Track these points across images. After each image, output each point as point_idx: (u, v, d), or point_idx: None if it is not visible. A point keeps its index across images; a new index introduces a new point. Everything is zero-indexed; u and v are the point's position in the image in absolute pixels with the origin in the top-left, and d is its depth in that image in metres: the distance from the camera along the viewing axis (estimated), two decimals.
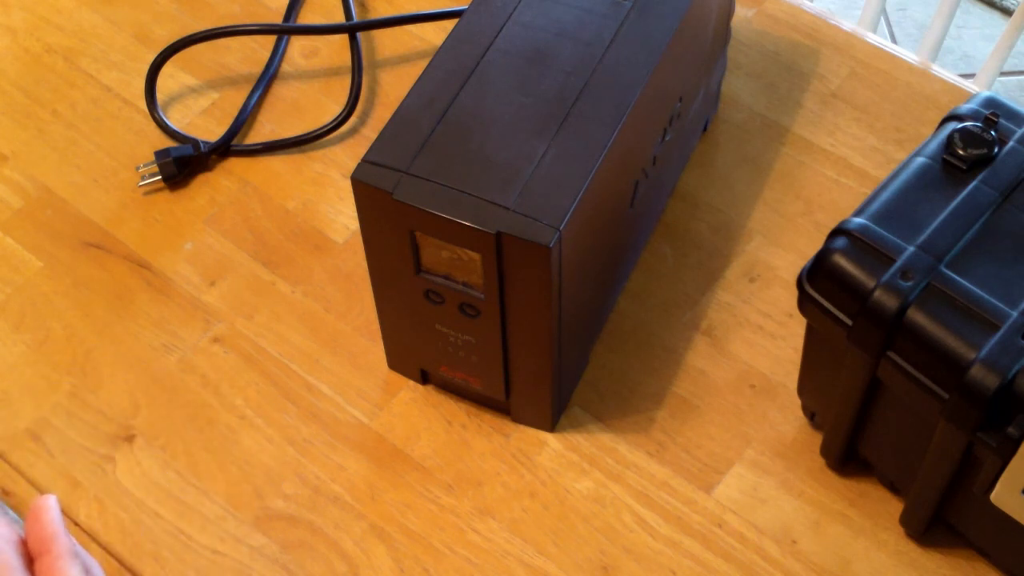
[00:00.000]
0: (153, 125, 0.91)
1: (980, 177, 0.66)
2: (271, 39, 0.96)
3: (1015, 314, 0.61)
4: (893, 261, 0.63)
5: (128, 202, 0.87)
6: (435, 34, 0.96)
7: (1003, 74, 2.03)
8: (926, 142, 0.69)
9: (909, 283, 0.62)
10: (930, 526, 0.71)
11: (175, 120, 0.91)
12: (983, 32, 2.11)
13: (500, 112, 0.68)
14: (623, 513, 0.74)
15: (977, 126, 0.67)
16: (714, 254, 0.84)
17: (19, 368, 0.80)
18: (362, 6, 0.98)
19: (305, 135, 0.90)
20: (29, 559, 0.67)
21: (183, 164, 0.87)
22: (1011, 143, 0.67)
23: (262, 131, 0.91)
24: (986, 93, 0.71)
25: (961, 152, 0.66)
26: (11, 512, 0.73)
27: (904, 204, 0.66)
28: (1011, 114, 0.69)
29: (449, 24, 0.95)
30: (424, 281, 0.69)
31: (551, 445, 0.76)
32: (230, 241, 0.85)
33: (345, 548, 0.73)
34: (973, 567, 0.71)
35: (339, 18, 0.97)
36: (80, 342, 0.81)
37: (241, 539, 0.73)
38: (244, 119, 0.91)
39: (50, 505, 0.67)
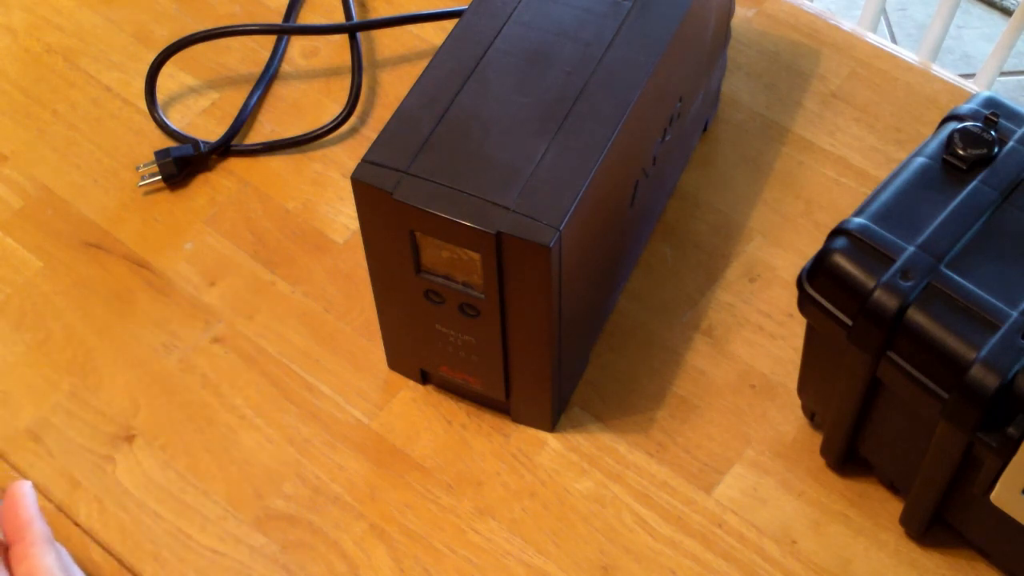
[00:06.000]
0: (153, 125, 0.91)
1: (980, 177, 0.66)
2: (271, 39, 0.96)
3: (1015, 314, 0.61)
4: (893, 261, 0.63)
5: (128, 202, 0.87)
6: (435, 34, 0.96)
7: (1003, 74, 2.03)
8: (926, 142, 0.69)
9: (909, 283, 0.62)
10: (930, 526, 0.71)
11: (175, 120, 0.91)
12: (983, 32, 2.11)
13: (500, 112, 0.68)
14: (623, 513, 0.74)
15: (977, 126, 0.67)
16: (714, 254, 0.84)
17: (19, 368, 0.80)
18: (362, 6, 0.98)
19: (305, 135, 0.90)
20: (4, 545, 0.67)
21: (183, 164, 0.87)
22: (1011, 143, 0.67)
23: (262, 131, 0.91)
24: (986, 93, 0.71)
25: (961, 152, 0.66)
26: None
27: (904, 204, 0.66)
28: (1011, 114, 0.68)
29: (449, 24, 0.95)
30: (424, 281, 0.69)
31: (551, 445, 0.76)
32: (230, 241, 0.85)
33: (345, 548, 0.73)
34: (973, 567, 0.71)
35: (339, 18, 0.97)
36: (80, 342, 0.81)
37: (241, 539, 0.73)
38: (244, 119, 0.91)
39: (26, 491, 0.67)
